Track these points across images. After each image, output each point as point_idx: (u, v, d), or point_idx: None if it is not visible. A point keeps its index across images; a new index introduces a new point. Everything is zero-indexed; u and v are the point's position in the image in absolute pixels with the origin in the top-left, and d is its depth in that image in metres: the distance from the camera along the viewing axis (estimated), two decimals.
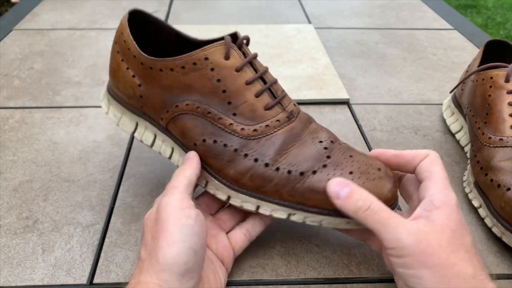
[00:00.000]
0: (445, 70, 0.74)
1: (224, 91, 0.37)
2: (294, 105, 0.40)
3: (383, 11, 0.99)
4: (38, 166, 0.51)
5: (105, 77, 0.70)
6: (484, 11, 2.76)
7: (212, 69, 0.37)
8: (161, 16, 0.93)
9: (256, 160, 0.37)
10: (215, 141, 0.38)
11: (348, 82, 0.70)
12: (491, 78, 0.49)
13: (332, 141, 0.38)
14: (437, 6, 1.02)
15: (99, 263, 0.40)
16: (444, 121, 0.60)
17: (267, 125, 0.37)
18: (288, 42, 0.81)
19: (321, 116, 0.62)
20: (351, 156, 0.37)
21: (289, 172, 0.36)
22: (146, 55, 0.39)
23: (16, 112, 0.61)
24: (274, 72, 0.72)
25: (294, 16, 0.95)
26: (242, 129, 0.37)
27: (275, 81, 0.39)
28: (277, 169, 0.36)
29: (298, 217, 0.37)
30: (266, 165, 0.36)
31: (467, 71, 0.57)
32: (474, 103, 0.51)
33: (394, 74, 0.73)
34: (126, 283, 0.32)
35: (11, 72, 0.71)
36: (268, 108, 0.38)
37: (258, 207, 0.37)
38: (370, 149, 0.55)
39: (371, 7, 1.01)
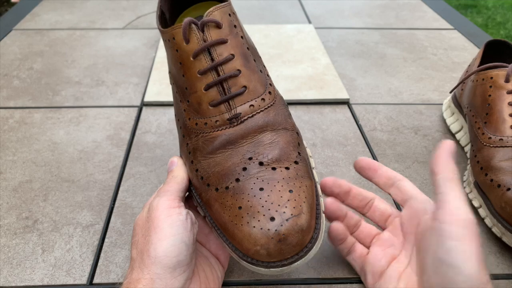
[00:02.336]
0: (445, 70, 0.74)
1: (183, 75, 0.36)
2: (252, 106, 0.35)
3: (383, 11, 0.99)
4: (38, 166, 0.51)
5: (105, 77, 0.70)
6: (484, 11, 2.76)
7: (177, 50, 0.35)
8: None
9: (189, 152, 0.36)
10: (178, 120, 0.38)
11: (348, 82, 0.70)
12: (491, 78, 0.49)
13: (262, 163, 0.33)
14: (437, 6, 1.02)
15: (99, 263, 0.40)
16: (444, 121, 0.60)
17: (206, 123, 0.35)
18: (288, 42, 0.81)
19: (321, 116, 0.62)
20: (261, 189, 0.32)
21: (201, 178, 0.35)
22: (156, 20, 0.39)
23: (16, 112, 0.61)
24: (274, 72, 0.72)
25: (294, 16, 0.95)
26: (190, 118, 0.36)
27: (233, 75, 0.35)
28: (196, 170, 0.35)
29: (208, 221, 0.35)
30: (192, 162, 0.36)
31: (467, 71, 0.57)
32: (474, 103, 0.51)
33: (394, 74, 0.73)
34: (121, 283, 0.32)
35: (11, 72, 0.71)
36: (212, 105, 0.35)
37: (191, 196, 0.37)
38: (370, 149, 0.55)
39: (371, 7, 1.01)
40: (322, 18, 0.94)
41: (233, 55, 0.35)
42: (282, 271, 0.31)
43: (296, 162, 0.34)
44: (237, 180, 0.33)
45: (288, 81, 0.68)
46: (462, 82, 0.55)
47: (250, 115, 0.35)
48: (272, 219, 0.30)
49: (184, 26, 0.34)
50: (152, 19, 0.92)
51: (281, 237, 0.30)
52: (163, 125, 0.59)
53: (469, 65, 0.57)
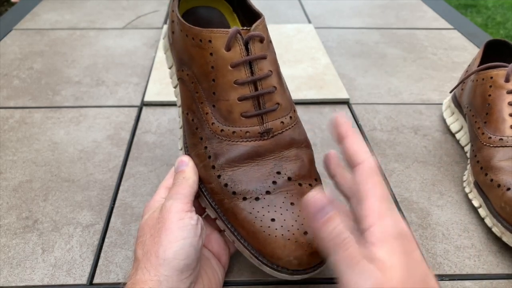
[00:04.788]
0: (445, 70, 0.74)
1: (213, 80, 0.36)
2: (282, 123, 0.36)
3: (383, 11, 0.99)
4: (38, 166, 0.51)
5: (105, 77, 0.70)
6: (484, 10, 2.76)
7: (211, 54, 0.35)
8: (160, 16, 0.93)
9: (209, 157, 0.36)
10: (193, 120, 0.38)
11: (348, 82, 0.70)
12: (491, 78, 0.49)
13: (290, 178, 0.35)
14: (437, 5, 1.02)
15: (99, 263, 0.40)
16: (444, 121, 0.60)
17: (234, 132, 0.36)
18: (288, 42, 0.81)
19: (321, 116, 0.62)
20: (292, 203, 0.34)
21: (225, 185, 0.35)
22: (178, 15, 0.39)
23: (16, 112, 0.61)
24: None
25: (294, 16, 0.95)
26: (213, 123, 0.36)
27: (270, 92, 0.36)
28: (219, 176, 0.36)
29: (220, 224, 0.36)
30: (213, 167, 0.36)
31: (467, 71, 0.57)
32: (474, 103, 0.51)
33: (394, 74, 0.73)
34: (125, 283, 0.32)
35: (11, 72, 0.71)
36: (245, 116, 0.36)
37: (199, 196, 0.38)
38: (370, 149, 0.55)
39: (371, 7, 1.01)
40: (322, 18, 0.94)
41: (271, 71, 0.36)
42: (303, 277, 0.34)
43: (316, 179, 0.37)
44: (268, 192, 0.35)
45: (288, 81, 0.67)
46: (462, 82, 0.55)
47: (280, 131, 0.36)
48: (306, 233, 0.33)
49: (231, 35, 0.35)
50: (152, 19, 0.92)
51: (313, 249, 0.33)
52: (163, 125, 0.59)
53: (469, 65, 0.57)
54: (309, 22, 0.92)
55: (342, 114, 0.33)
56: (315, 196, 0.28)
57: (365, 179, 0.29)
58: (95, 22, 0.90)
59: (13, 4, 2.10)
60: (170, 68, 0.42)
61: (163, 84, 0.66)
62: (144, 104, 0.63)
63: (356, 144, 0.31)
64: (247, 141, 0.36)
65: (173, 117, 0.60)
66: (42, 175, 0.50)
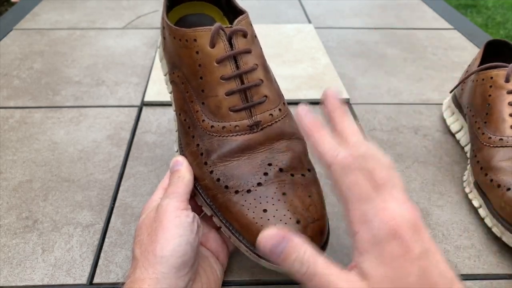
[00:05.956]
0: (445, 70, 0.74)
1: (201, 78, 0.37)
2: (271, 115, 0.37)
3: (383, 11, 0.99)
4: (38, 166, 0.51)
5: (105, 77, 0.70)
6: (484, 10, 2.76)
7: (197, 52, 0.36)
8: (160, 16, 0.93)
9: (202, 154, 0.37)
10: (185, 120, 0.39)
11: (348, 82, 0.70)
12: (491, 78, 0.49)
13: (282, 169, 0.35)
14: (437, 5, 1.02)
15: (99, 263, 0.40)
16: (444, 121, 0.60)
17: (224, 127, 0.36)
18: (288, 42, 0.81)
19: (321, 116, 0.61)
20: (284, 193, 0.34)
21: (218, 180, 0.35)
22: (166, 19, 0.40)
23: (16, 112, 0.61)
24: (274, 72, 0.72)
25: (294, 16, 0.95)
26: (203, 120, 0.37)
27: (256, 85, 0.36)
28: (211, 172, 0.36)
29: (216, 220, 0.37)
30: (205, 163, 0.36)
31: (467, 71, 0.57)
32: (474, 103, 0.51)
33: (394, 74, 0.73)
34: (123, 283, 0.32)
35: (11, 72, 0.71)
36: (233, 110, 0.36)
37: (195, 194, 0.38)
38: None
39: (371, 7, 1.01)
40: (322, 18, 0.94)
41: (256, 65, 0.37)
42: None
43: (309, 170, 0.37)
44: (259, 184, 0.34)
45: (288, 80, 0.68)
46: (462, 82, 0.55)
47: (269, 124, 0.37)
48: (298, 222, 0.33)
49: (214, 31, 0.35)
50: (152, 19, 0.92)
51: (307, 238, 0.32)
52: (163, 125, 0.59)
53: (469, 65, 0.57)
54: (309, 22, 0.92)
55: (334, 91, 0.31)
56: (264, 236, 0.27)
57: (340, 178, 0.27)
58: (95, 22, 0.90)
59: (13, 4, 2.10)
60: (165, 75, 0.43)
61: (163, 84, 0.66)
62: (144, 104, 0.63)
63: (342, 124, 0.30)
64: (237, 135, 0.36)
65: (173, 117, 0.60)
66: (42, 175, 0.50)
